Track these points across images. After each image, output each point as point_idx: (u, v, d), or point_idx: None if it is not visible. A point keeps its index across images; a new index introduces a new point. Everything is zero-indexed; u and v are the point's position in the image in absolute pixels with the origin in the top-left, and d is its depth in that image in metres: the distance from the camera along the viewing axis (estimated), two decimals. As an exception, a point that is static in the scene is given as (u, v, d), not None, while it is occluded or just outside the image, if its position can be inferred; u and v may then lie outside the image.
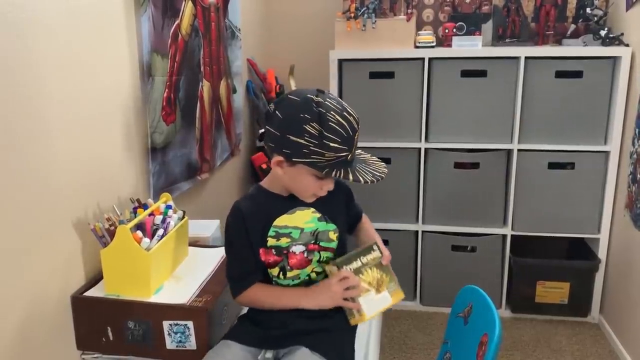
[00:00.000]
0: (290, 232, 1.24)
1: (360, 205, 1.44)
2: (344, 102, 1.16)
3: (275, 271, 1.27)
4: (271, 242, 1.24)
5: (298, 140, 1.11)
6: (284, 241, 1.24)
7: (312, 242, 1.26)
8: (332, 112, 1.11)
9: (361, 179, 1.14)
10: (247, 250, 1.24)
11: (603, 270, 2.57)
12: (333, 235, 1.29)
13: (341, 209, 1.33)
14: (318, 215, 1.26)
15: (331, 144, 1.11)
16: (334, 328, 1.25)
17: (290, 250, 1.25)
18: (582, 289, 2.61)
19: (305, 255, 1.26)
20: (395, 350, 2.42)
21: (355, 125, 1.14)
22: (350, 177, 1.14)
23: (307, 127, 1.11)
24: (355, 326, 1.35)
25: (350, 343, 1.30)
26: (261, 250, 1.25)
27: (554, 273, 2.61)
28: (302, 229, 1.25)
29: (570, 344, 2.46)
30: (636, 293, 2.25)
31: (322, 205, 1.26)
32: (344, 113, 1.13)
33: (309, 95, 1.13)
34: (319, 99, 1.12)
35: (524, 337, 2.52)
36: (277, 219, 1.24)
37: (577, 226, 2.58)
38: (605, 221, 2.52)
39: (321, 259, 1.28)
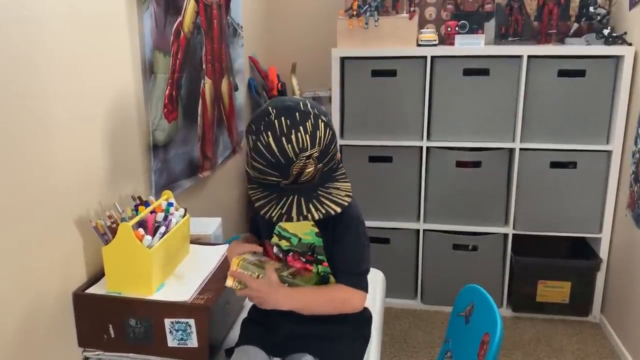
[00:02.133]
0: (290, 238, 1.24)
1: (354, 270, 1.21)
2: (302, 128, 1.04)
3: None
4: (275, 239, 1.25)
5: (246, 147, 1.13)
6: (284, 243, 1.25)
7: (309, 253, 1.23)
8: (268, 133, 1.04)
9: (273, 213, 1.07)
10: (252, 223, 1.37)
11: (604, 270, 2.57)
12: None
13: (330, 234, 1.22)
14: (316, 229, 1.22)
15: (254, 163, 1.08)
16: (341, 336, 1.23)
17: (290, 255, 1.24)
18: (584, 288, 2.61)
19: (305, 263, 1.24)
20: (396, 349, 2.42)
21: (291, 156, 1.04)
22: (261, 204, 1.09)
23: (248, 138, 1.09)
24: (368, 336, 1.33)
25: (358, 354, 1.27)
26: (266, 243, 1.26)
27: (556, 272, 2.61)
28: (300, 239, 1.23)
29: (571, 343, 2.46)
30: (637, 293, 2.24)
31: (324, 222, 1.18)
32: (283, 139, 1.03)
33: (270, 108, 1.08)
34: (272, 115, 1.06)
35: (525, 337, 2.52)
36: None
37: (578, 226, 2.57)
38: (607, 221, 2.52)
39: (319, 272, 1.25)
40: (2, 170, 1.06)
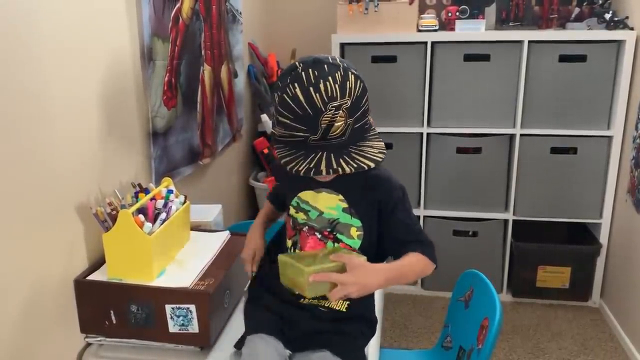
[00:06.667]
0: (309, 211, 1.18)
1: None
2: (331, 78, 1.00)
3: (289, 244, 1.24)
4: (291, 211, 1.21)
5: (272, 107, 1.09)
6: (300, 216, 1.19)
7: (328, 229, 1.18)
8: (295, 84, 1.00)
9: (300, 167, 1.02)
10: (276, 187, 1.39)
11: (604, 255, 2.58)
12: (355, 233, 1.17)
13: (372, 210, 1.17)
14: (345, 205, 1.16)
15: (280, 119, 1.03)
16: (358, 334, 1.21)
17: (304, 230, 1.19)
18: (583, 273, 2.62)
19: (320, 240, 1.19)
20: (396, 334, 2.44)
21: (319, 106, 0.99)
22: (287, 160, 1.04)
23: (275, 95, 1.05)
24: (372, 331, 1.27)
25: (364, 347, 1.26)
26: (285, 215, 1.24)
27: (555, 258, 2.61)
28: (321, 212, 1.17)
29: (571, 328, 2.48)
30: (637, 278, 2.25)
31: (353, 196, 1.15)
32: (310, 89, 0.99)
33: (297, 62, 1.04)
34: (299, 68, 1.02)
35: (525, 322, 2.53)
36: (303, 192, 1.18)
37: (579, 211, 2.58)
38: (607, 206, 2.52)
39: None
40: (1, 156, 1.06)
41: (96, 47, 1.36)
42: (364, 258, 1.13)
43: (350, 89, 1.02)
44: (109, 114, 1.42)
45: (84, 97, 1.31)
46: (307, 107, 1.00)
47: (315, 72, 1.00)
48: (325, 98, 0.99)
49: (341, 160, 1.03)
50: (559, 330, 2.46)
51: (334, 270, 1.07)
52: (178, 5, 1.75)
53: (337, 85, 1.00)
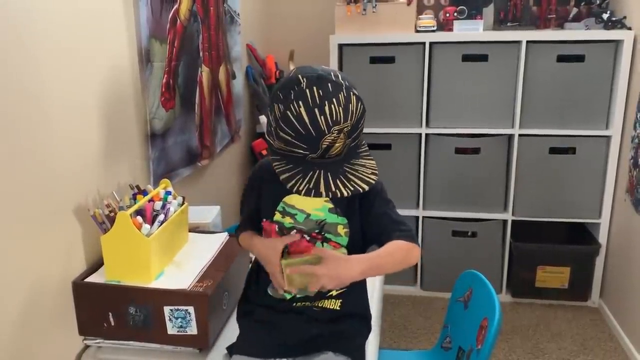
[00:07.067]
0: (296, 214, 1.19)
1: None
2: (336, 100, 1.01)
3: None
4: (277, 216, 1.21)
5: (268, 114, 1.09)
6: (287, 221, 1.20)
7: (316, 231, 1.19)
8: (299, 102, 1.00)
9: (300, 187, 1.03)
10: (253, 202, 1.27)
11: (603, 255, 2.58)
12: (342, 230, 1.19)
13: (354, 205, 1.19)
14: (330, 205, 1.18)
15: (281, 134, 1.04)
16: (355, 333, 1.23)
17: (292, 234, 1.20)
18: (583, 273, 2.62)
19: (308, 242, 1.20)
20: (395, 335, 2.44)
21: (323, 128, 1.00)
22: (286, 177, 1.04)
23: (275, 106, 1.05)
24: (369, 328, 1.30)
25: (363, 345, 1.27)
26: (265, 223, 1.22)
27: (555, 258, 2.61)
28: (308, 215, 1.19)
29: (570, 328, 2.48)
30: (636, 278, 2.25)
31: (344, 200, 1.15)
32: (315, 110, 1.00)
33: (299, 76, 1.04)
34: (303, 84, 1.02)
35: (524, 322, 2.53)
36: (289, 196, 1.19)
37: (577, 211, 2.58)
38: (606, 206, 2.52)
39: None
40: (0, 159, 1.06)
41: (94, 49, 1.36)
42: (343, 252, 1.16)
43: (353, 112, 1.04)
44: (107, 116, 1.42)
45: (82, 98, 1.31)
46: (310, 128, 1.01)
47: (320, 91, 1.01)
48: (330, 122, 1.01)
49: (338, 182, 1.05)
50: (558, 330, 2.46)
51: (310, 263, 1.10)
52: (176, 6, 1.75)
53: (341, 109, 1.01)
